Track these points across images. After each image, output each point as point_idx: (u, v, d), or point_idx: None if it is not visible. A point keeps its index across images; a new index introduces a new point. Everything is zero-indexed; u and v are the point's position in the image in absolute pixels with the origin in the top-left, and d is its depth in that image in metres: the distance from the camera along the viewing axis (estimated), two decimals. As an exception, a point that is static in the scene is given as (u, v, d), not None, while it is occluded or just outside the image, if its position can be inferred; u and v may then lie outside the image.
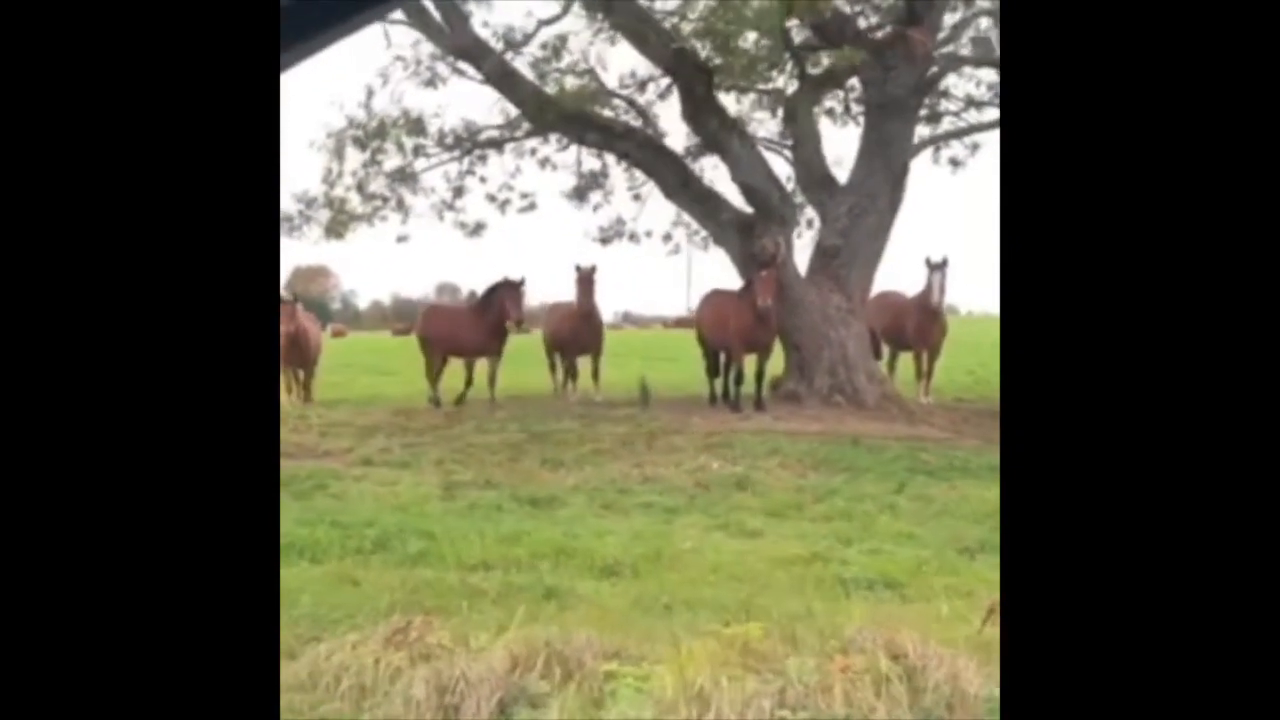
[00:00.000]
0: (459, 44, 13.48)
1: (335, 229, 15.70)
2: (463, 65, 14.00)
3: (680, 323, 51.86)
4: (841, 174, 14.26)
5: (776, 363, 13.77)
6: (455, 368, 14.74)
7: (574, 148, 15.63)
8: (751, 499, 7.84)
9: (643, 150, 14.15)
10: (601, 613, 4.36)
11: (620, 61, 16.75)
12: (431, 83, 14.43)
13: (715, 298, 13.92)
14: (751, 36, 12.76)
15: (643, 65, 14.75)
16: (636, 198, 16.92)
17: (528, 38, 14.50)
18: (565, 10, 13.87)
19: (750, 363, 12.94)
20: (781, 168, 14.80)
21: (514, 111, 14.94)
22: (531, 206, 16.60)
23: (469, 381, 14.31)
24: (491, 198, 16.30)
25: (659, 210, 18.80)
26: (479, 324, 14.14)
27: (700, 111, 13.06)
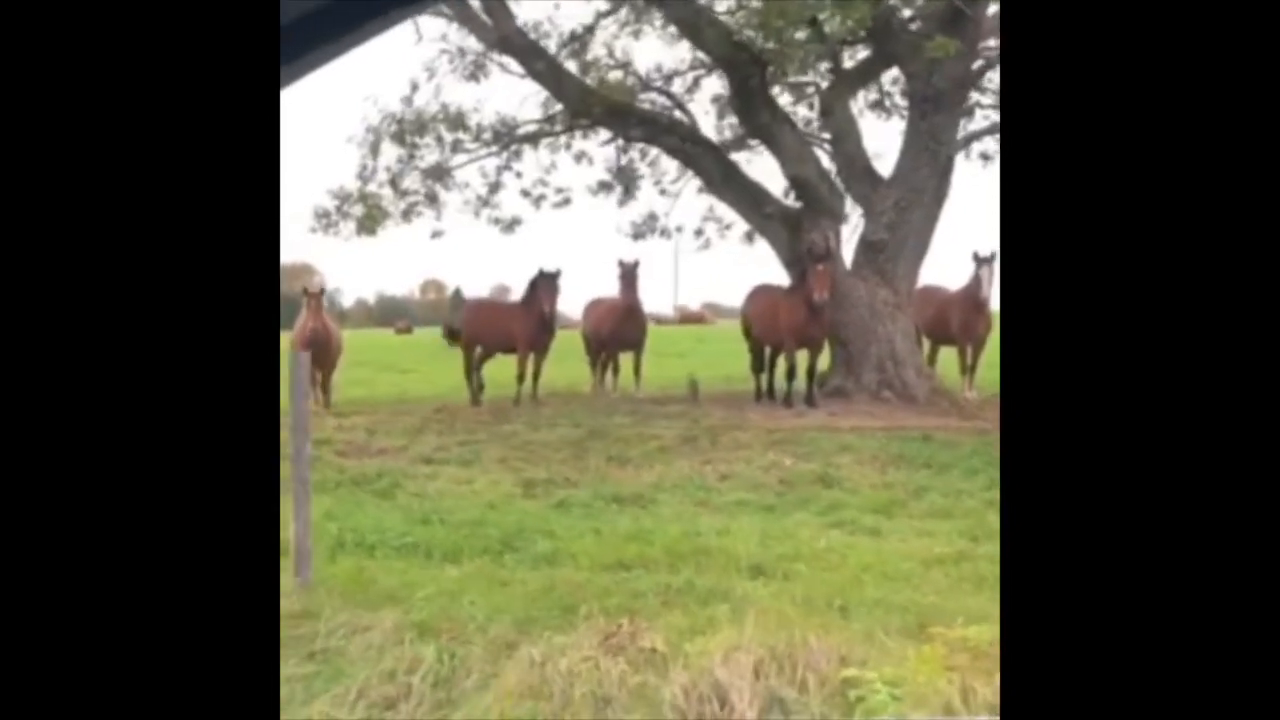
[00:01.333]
0: (502, 37, 13.32)
1: (368, 225, 15.54)
2: (505, 59, 13.83)
3: (686, 318, 52.06)
4: (880, 167, 14.19)
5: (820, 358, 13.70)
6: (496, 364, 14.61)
7: (601, 142, 15.52)
8: (846, 496, 7.72)
9: (686, 144, 14.01)
10: (778, 615, 4.24)
11: (643, 56, 16.61)
12: (474, 76, 14.26)
13: (764, 293, 13.78)
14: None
15: (669, 59, 14.70)
16: (663, 193, 16.87)
17: (581, 33, 14.40)
18: (618, 5, 13.72)
19: (801, 358, 12.83)
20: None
21: (538, 107, 14.88)
22: (566, 202, 16.49)
23: (521, 378, 14.16)
24: (526, 193, 16.19)
25: (690, 205, 18.58)
26: (526, 319, 14.00)
27: (752, 104, 12.93)
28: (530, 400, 14.08)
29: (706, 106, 16.07)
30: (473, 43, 14.21)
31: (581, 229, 19.43)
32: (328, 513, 6.59)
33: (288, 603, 3.85)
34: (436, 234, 16.29)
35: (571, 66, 14.25)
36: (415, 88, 14.59)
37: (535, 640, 3.54)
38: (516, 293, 13.85)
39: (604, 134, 15.60)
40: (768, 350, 13.70)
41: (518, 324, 14.11)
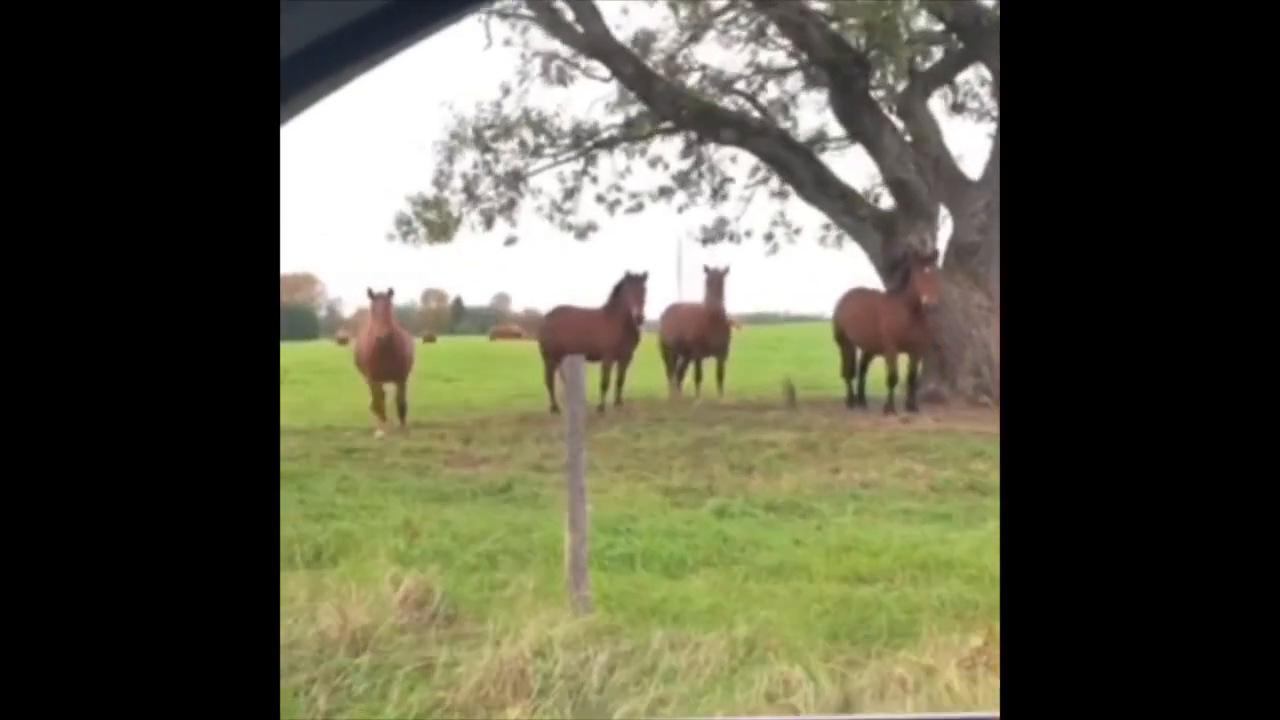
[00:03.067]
0: (590, 42, 13.15)
1: (442, 232, 15.39)
2: (591, 64, 13.67)
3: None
4: (962, 169, 13.97)
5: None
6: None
7: (683, 147, 15.32)
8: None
9: (776, 146, 13.82)
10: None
11: (711, 60, 16.50)
12: (561, 80, 14.10)
13: (861, 296, 13.56)
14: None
15: (733, 63, 14.48)
16: (724, 198, 16.68)
17: (646, 38, 14.21)
18: (731, 4, 13.52)
19: (902, 363, 12.62)
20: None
21: (604, 111, 14.67)
22: (639, 207, 16.33)
23: (605, 385, 13.96)
24: (600, 198, 16.04)
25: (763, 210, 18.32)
26: (611, 324, 13.81)
27: (855, 105, 12.74)
28: (614, 408, 13.88)
29: (792, 110, 15.88)
30: (556, 46, 14.04)
31: (649, 235, 19.25)
32: (510, 524, 6.38)
33: (589, 620, 3.64)
34: (510, 240, 16.14)
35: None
36: (507, 91, 14.41)
37: (874, 657, 3.32)
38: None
39: (678, 139, 15.47)
40: (859, 355, 13.50)
41: (602, 329, 13.92)
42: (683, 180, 16.46)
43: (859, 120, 13.00)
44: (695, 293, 14.43)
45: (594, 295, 14.04)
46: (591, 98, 15.50)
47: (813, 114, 15.69)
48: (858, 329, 13.17)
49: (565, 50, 13.91)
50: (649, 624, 3.83)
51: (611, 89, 14.73)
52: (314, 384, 19.32)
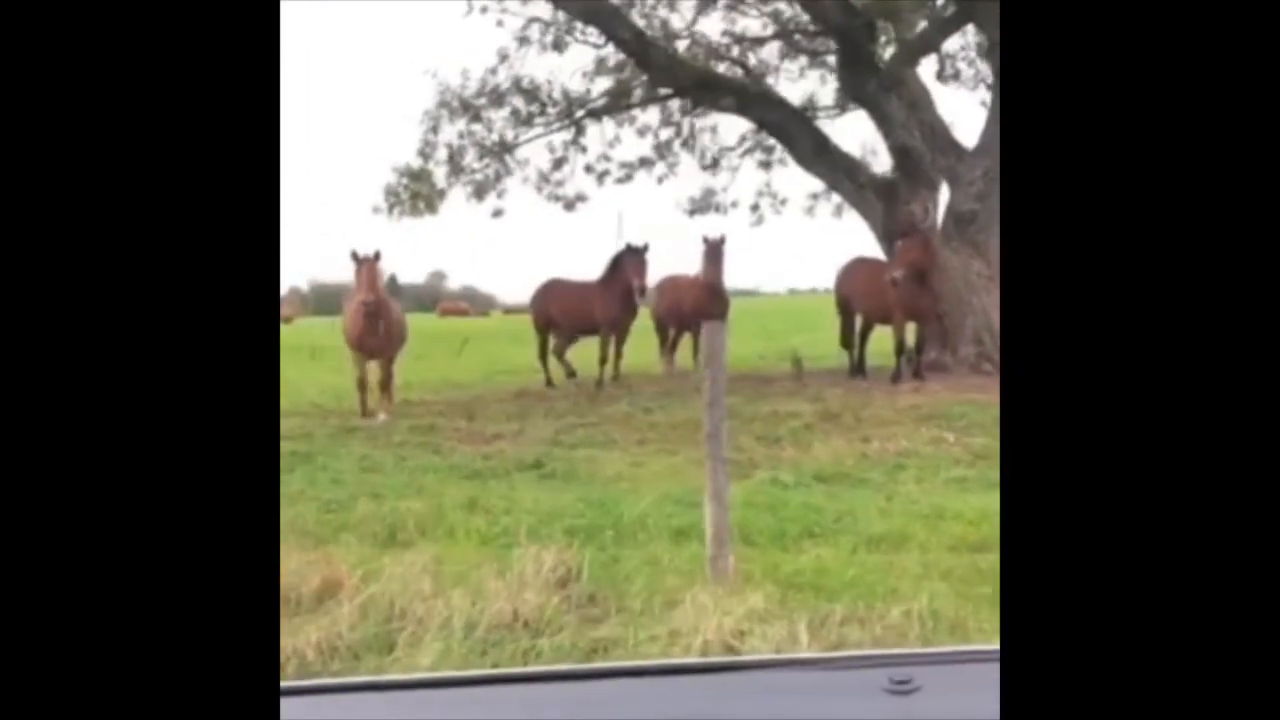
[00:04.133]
0: (587, 6, 12.81)
1: (428, 204, 14.98)
2: (589, 30, 13.33)
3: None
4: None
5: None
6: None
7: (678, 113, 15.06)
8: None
9: (777, 113, 13.63)
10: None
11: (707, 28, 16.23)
12: (557, 46, 13.74)
13: (866, 265, 13.45)
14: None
15: (710, 30, 14.20)
16: (709, 168, 16.47)
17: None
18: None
19: (907, 332, 12.58)
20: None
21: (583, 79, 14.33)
22: (628, 178, 16.04)
23: (604, 360, 13.70)
24: (589, 168, 15.72)
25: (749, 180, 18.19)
26: (608, 297, 13.54)
27: (860, 70, 12.57)
28: (612, 382, 13.65)
29: (769, 78, 15.68)
30: (536, 11, 13.67)
31: (634, 205, 18.96)
32: (582, 500, 6.16)
33: (749, 596, 3.44)
34: (498, 213, 15.78)
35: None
36: (505, 58, 13.99)
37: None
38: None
39: (660, 108, 15.20)
40: (860, 324, 13.44)
41: (599, 303, 13.65)
42: (663, 150, 16.22)
43: (863, 86, 12.83)
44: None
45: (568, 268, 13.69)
46: (572, 66, 14.96)
47: (789, 83, 15.40)
48: (863, 298, 13.05)
49: (546, 13, 13.54)
50: (808, 597, 3.65)
51: (587, 57, 14.36)
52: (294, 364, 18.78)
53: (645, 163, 16.18)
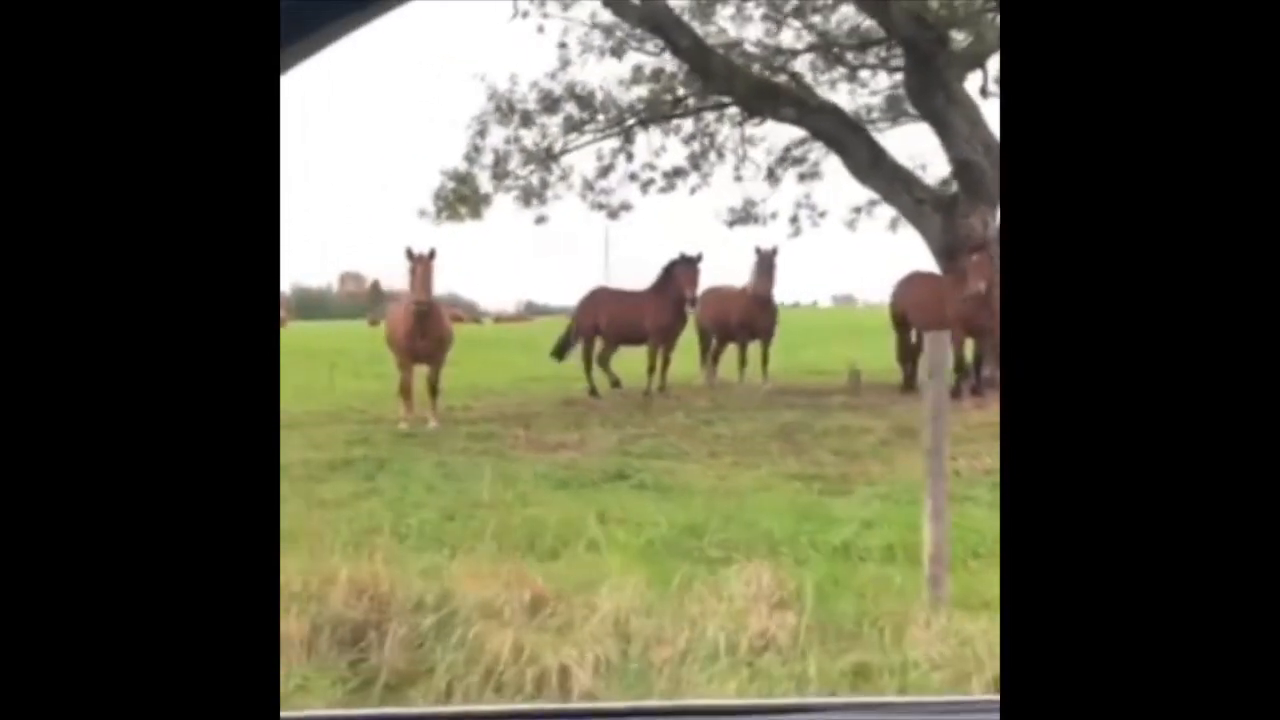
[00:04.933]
0: (648, 15, 12.65)
1: (473, 210, 14.80)
2: (648, 37, 13.18)
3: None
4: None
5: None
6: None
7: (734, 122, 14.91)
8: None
9: (836, 125, 13.50)
10: None
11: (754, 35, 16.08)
12: (617, 53, 13.57)
13: (923, 280, 13.33)
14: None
15: (763, 36, 14.08)
16: (734, 176, 16.30)
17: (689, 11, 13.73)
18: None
19: (967, 348, 12.45)
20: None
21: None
22: (671, 187, 15.90)
23: (652, 369, 13.52)
24: (634, 176, 15.56)
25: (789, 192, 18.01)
26: (660, 307, 13.36)
27: (929, 84, 12.46)
28: (659, 393, 13.46)
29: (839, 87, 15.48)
30: (579, 15, 13.51)
31: (673, 216, 18.85)
32: (719, 514, 5.97)
33: (979, 622, 3.25)
34: (541, 219, 15.60)
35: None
36: (567, 64, 13.81)
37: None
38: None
39: (704, 117, 15.06)
40: (914, 339, 13.30)
41: (650, 312, 13.48)
42: (697, 160, 16.08)
43: (933, 100, 12.70)
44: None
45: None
46: (611, 74, 14.73)
47: (839, 94, 15.25)
48: (922, 312, 12.91)
49: (607, 20, 13.37)
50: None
51: (622, 66, 14.19)
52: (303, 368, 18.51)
53: (679, 173, 16.06)
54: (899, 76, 14.88)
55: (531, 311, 51.60)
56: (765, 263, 13.64)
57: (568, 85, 14.12)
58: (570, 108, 14.17)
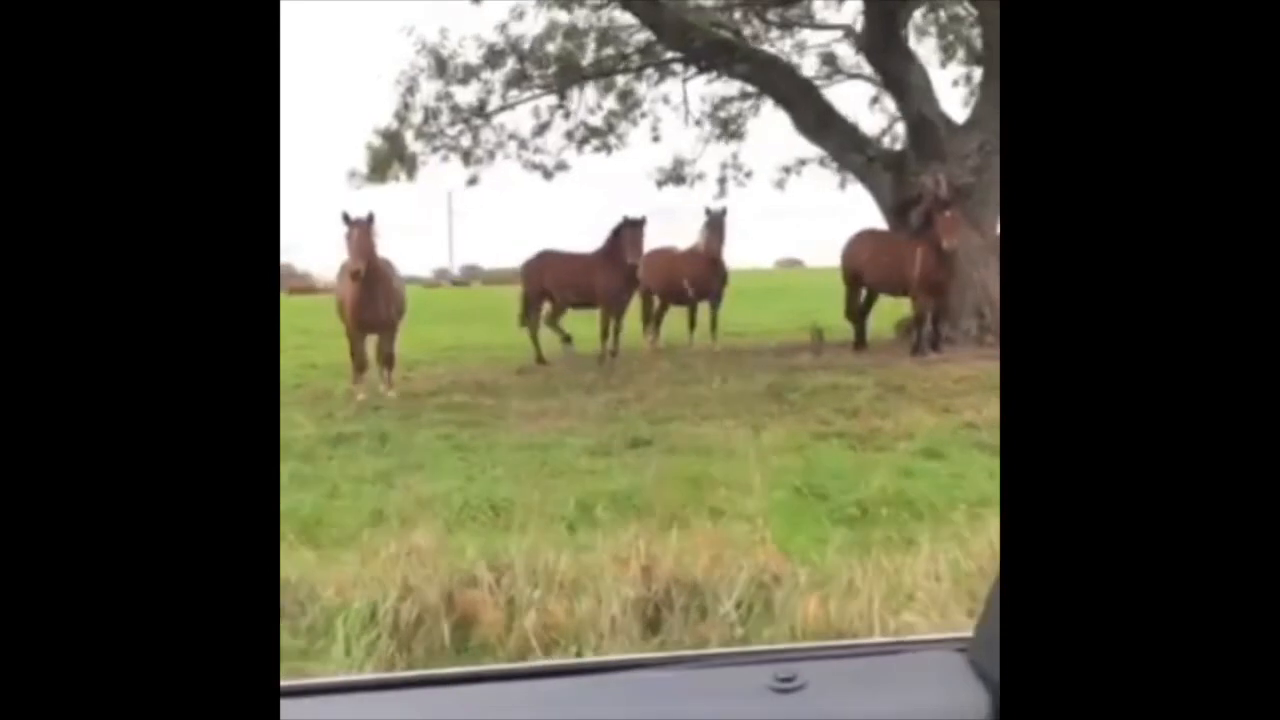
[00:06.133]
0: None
1: (406, 169, 14.12)
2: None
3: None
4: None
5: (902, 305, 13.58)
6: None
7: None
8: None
9: (787, 82, 13.38)
10: None
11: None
12: (566, 6, 13.06)
13: (878, 238, 13.37)
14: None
15: None
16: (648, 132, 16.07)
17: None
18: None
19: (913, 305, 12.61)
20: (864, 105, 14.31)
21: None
22: (605, 147, 15.54)
23: (605, 334, 13.20)
24: (569, 134, 15.13)
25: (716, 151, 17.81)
26: (609, 271, 13.02)
27: (887, 42, 12.44)
28: (611, 358, 13.18)
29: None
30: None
31: (604, 176, 18.43)
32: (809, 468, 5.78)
33: None
34: (472, 181, 15.02)
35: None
36: (520, 15, 13.19)
37: None
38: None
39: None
40: (863, 295, 13.43)
41: (600, 276, 13.13)
42: (621, 118, 15.77)
43: (891, 58, 12.71)
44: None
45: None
46: (557, 27, 14.20)
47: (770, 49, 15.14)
48: (877, 271, 13.00)
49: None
50: None
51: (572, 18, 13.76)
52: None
53: (611, 131, 15.73)
54: (836, 34, 14.96)
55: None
56: (715, 223, 13.48)
57: (510, 40, 13.56)
58: (511, 62, 13.61)
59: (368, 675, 2.45)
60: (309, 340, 16.42)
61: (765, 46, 14.24)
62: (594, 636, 2.93)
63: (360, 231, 10.62)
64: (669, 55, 14.03)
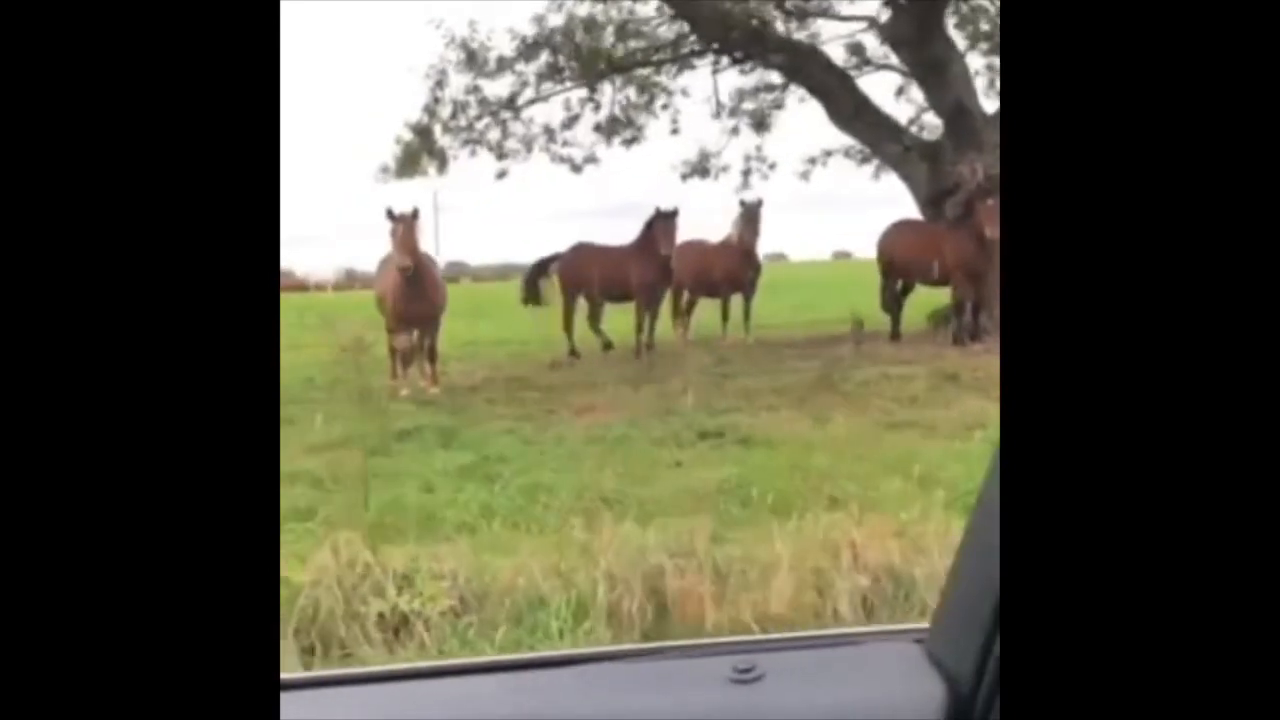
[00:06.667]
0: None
1: (437, 163, 14.02)
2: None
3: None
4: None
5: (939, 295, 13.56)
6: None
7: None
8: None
9: (824, 73, 13.32)
10: None
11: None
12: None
13: (917, 228, 13.33)
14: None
15: None
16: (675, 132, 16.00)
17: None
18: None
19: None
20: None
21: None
22: (635, 139, 15.46)
23: (640, 327, 13.12)
24: (599, 127, 15.04)
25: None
26: (643, 264, 12.93)
27: (930, 31, 12.37)
28: (647, 351, 13.11)
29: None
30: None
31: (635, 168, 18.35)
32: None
33: None
34: (501, 175, 14.93)
35: None
36: (561, 7, 13.08)
37: None
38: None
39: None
40: (899, 285, 13.42)
41: (635, 269, 13.05)
42: (642, 110, 15.69)
43: (931, 47, 12.64)
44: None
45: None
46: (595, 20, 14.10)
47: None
48: (916, 261, 12.96)
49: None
50: None
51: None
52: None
53: (636, 124, 15.64)
54: (859, 25, 14.87)
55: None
56: (750, 214, 13.42)
57: (543, 32, 13.47)
58: (545, 55, 13.52)
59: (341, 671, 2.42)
60: (319, 338, 16.38)
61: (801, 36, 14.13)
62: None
63: (405, 226, 10.58)
64: (700, 47, 13.92)
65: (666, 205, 12.83)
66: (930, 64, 12.89)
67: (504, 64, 13.66)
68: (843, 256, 56.37)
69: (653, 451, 7.18)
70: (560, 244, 13.79)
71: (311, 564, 3.36)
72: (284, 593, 3.12)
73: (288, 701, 1.04)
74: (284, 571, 3.35)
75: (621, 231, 13.33)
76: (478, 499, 5.28)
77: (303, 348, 14.98)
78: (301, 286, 46.18)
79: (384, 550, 3.55)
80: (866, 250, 15.47)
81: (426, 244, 11.73)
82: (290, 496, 5.45)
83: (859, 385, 10.03)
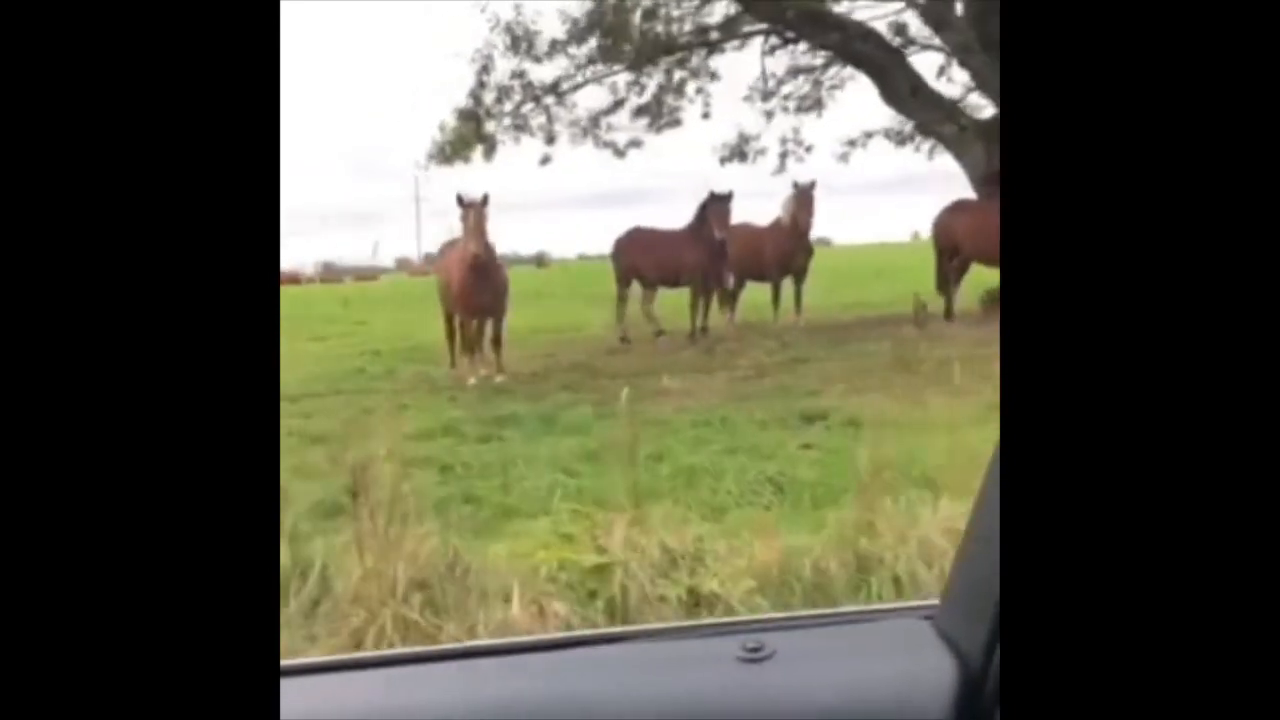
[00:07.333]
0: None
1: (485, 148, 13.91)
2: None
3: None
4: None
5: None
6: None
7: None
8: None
9: (879, 52, 13.23)
10: None
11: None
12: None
13: (976, 208, 13.26)
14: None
15: None
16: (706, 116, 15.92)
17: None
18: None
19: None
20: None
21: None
22: (676, 123, 15.37)
23: (696, 309, 13.08)
24: (643, 110, 14.94)
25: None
26: (698, 247, 12.87)
27: (988, 10, 12.28)
28: (702, 334, 13.06)
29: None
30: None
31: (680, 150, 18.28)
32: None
33: None
34: (545, 160, 14.83)
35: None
36: None
37: None
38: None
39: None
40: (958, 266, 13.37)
41: (689, 253, 12.99)
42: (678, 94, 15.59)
43: (988, 25, 12.54)
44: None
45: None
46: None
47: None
48: (976, 241, 12.88)
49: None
50: None
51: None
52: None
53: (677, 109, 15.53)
54: (898, 5, 14.78)
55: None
56: (804, 197, 13.34)
57: (592, 15, 13.35)
58: (593, 39, 13.41)
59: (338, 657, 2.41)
60: (350, 329, 16.27)
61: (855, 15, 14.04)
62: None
63: (476, 214, 10.47)
64: (751, 29, 13.82)
65: (719, 189, 12.79)
66: (986, 42, 12.82)
67: (556, 47, 13.53)
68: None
69: (761, 434, 7.13)
70: (594, 231, 13.74)
71: (611, 544, 3.32)
72: (585, 577, 3.07)
73: (288, 688, 1.04)
74: (571, 554, 3.31)
75: (647, 218, 13.19)
76: (623, 482, 5.21)
77: (328, 339, 14.95)
78: (294, 280, 46.09)
79: (664, 532, 3.52)
80: (899, 234, 15.45)
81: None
82: (453, 485, 5.38)
83: (937, 366, 9.97)
